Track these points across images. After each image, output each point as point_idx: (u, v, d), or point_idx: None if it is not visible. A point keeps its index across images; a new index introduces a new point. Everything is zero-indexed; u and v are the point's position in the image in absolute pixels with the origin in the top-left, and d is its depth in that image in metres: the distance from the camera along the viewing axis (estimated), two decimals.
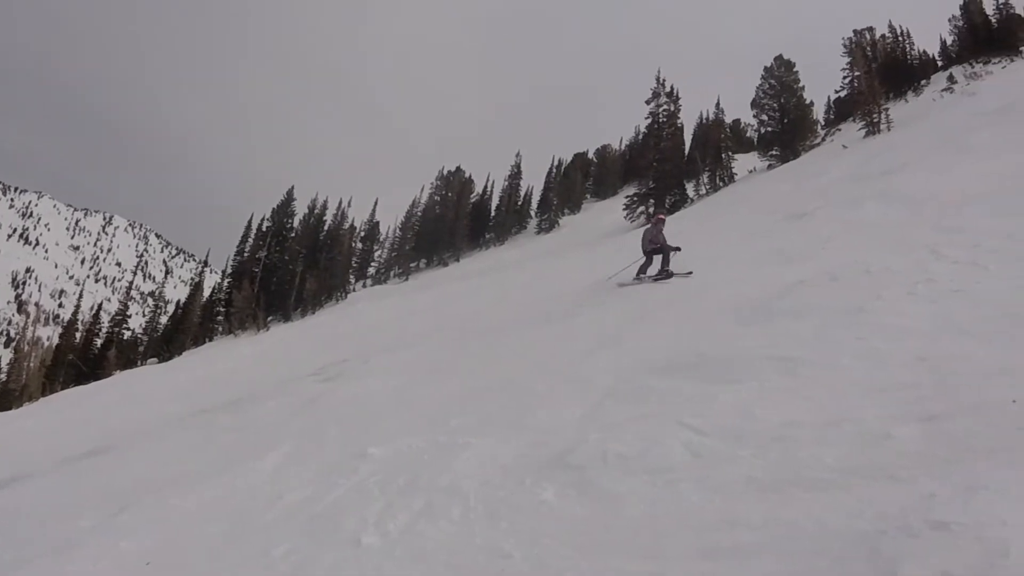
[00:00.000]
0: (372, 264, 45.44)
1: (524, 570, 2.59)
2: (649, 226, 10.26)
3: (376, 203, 47.17)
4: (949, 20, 38.99)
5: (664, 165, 31.74)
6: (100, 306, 39.25)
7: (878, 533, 2.12)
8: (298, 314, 33.14)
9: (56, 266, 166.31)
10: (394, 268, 42.14)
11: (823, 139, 29.76)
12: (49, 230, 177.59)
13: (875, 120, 24.07)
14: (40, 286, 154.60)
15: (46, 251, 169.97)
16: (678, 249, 9.43)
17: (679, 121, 34.67)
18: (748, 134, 48.75)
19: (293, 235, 38.79)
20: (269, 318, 32.14)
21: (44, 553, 4.29)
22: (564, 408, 4.50)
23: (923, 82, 34.38)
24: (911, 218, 7.90)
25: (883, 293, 4.95)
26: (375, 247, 46.44)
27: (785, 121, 30.35)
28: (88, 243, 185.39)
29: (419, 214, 45.58)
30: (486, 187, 49.61)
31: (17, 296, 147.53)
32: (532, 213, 47.81)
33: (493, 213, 46.93)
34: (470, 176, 48.51)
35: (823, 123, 37.56)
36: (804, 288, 5.81)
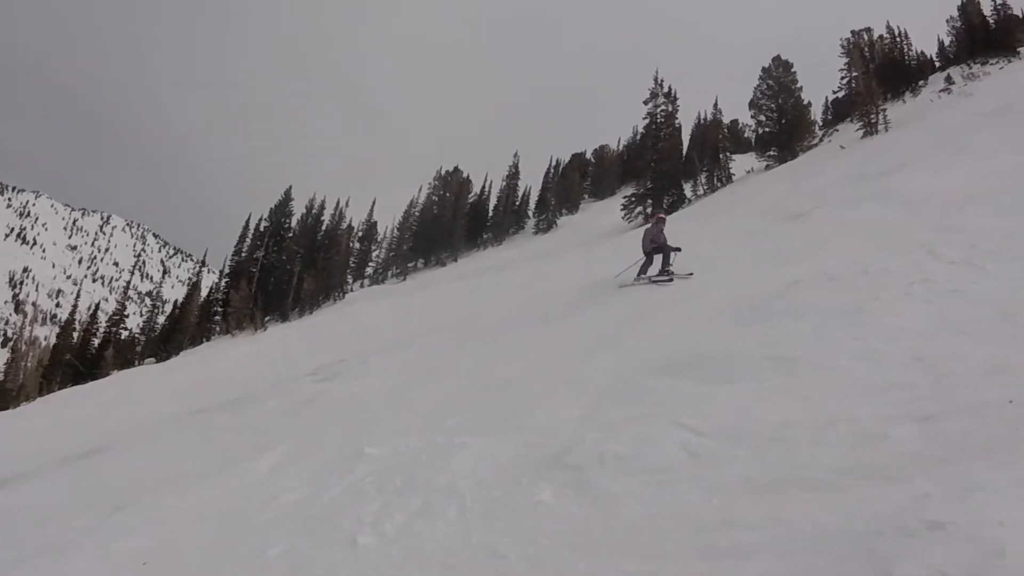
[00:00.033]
0: (370, 264, 45.44)
1: (521, 570, 2.58)
2: (650, 225, 10.22)
3: (374, 203, 47.21)
4: (947, 21, 39.15)
5: (662, 165, 31.80)
6: (97, 306, 39.10)
7: (874, 533, 2.13)
8: (296, 314, 33.12)
9: (53, 266, 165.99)
10: (392, 268, 42.10)
11: (821, 140, 29.78)
12: (47, 230, 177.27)
13: (873, 121, 24.11)
14: (37, 286, 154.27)
15: (43, 251, 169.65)
16: (678, 250, 9.41)
17: (677, 121, 34.75)
18: (746, 135, 48.72)
19: (291, 235, 38.78)
20: (267, 318, 32.10)
21: (41, 553, 4.28)
22: (562, 408, 4.50)
23: (921, 83, 34.48)
24: (909, 218, 7.92)
25: (881, 293, 4.96)
26: (373, 247, 46.41)
27: (783, 122, 30.37)
28: (86, 243, 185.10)
29: (417, 214, 45.55)
30: (484, 187, 49.69)
31: (14, 296, 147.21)
32: (530, 213, 47.83)
33: (491, 213, 46.90)
34: (468, 176, 48.56)
35: (821, 124, 37.60)
36: (802, 288, 5.82)
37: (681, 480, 2.96)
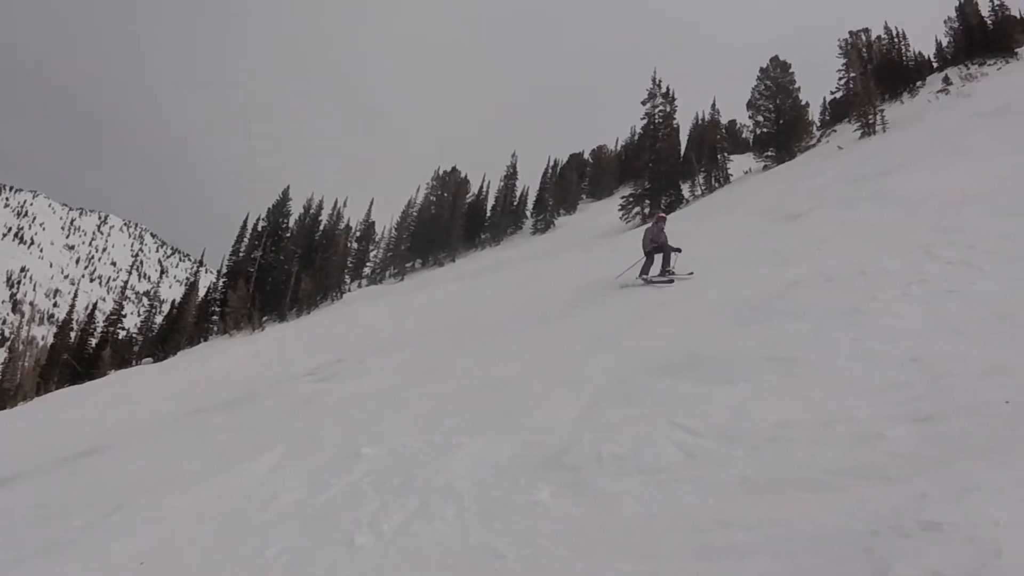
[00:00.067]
0: (368, 264, 45.33)
1: (518, 570, 2.58)
2: (650, 224, 10.19)
3: (372, 203, 47.13)
4: (945, 22, 39.25)
5: (660, 166, 31.80)
6: (95, 305, 39.05)
7: (871, 533, 2.13)
8: (293, 314, 33.07)
9: (51, 265, 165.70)
10: (390, 268, 42.04)
11: (818, 140, 29.81)
12: (44, 229, 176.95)
13: (870, 121, 24.16)
14: (35, 285, 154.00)
15: (41, 250, 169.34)
16: (679, 250, 9.38)
17: (675, 122, 34.76)
18: (744, 135, 48.76)
19: (289, 235, 38.70)
20: (264, 318, 32.05)
21: (40, 553, 4.28)
22: (559, 408, 4.50)
23: (918, 83, 34.56)
24: (906, 219, 7.93)
25: (878, 294, 4.96)
26: (371, 247, 46.32)
27: (781, 122, 30.40)
28: (83, 242, 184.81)
29: (415, 214, 45.48)
30: (482, 187, 49.65)
31: (12, 295, 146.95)
32: (528, 213, 47.83)
33: (489, 213, 46.87)
34: (466, 176, 48.49)
35: (819, 124, 37.67)
36: (800, 289, 5.83)
37: (679, 480, 2.97)
